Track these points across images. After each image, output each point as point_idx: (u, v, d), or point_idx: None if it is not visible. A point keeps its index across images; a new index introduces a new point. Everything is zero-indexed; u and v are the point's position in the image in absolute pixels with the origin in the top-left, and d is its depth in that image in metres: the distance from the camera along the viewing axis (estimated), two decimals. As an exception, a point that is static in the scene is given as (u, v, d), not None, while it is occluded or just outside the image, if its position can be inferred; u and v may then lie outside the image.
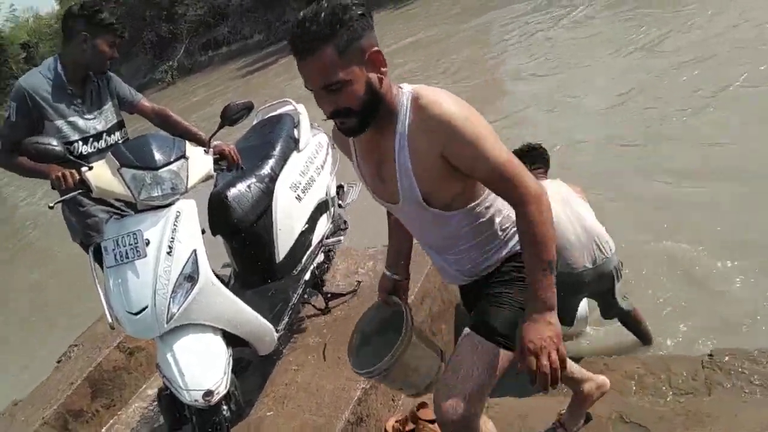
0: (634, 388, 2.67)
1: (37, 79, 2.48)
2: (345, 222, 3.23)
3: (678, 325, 3.14)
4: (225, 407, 2.21)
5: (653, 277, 3.55)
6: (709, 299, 3.25)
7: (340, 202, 3.19)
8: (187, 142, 2.24)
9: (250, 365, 2.79)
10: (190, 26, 23.83)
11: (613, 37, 8.24)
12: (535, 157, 3.06)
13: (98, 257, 2.15)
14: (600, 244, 2.76)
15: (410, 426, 2.40)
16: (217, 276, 2.74)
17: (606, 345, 3.14)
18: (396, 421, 2.44)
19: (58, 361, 3.64)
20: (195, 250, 2.08)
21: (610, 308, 2.98)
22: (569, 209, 2.81)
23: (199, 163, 2.23)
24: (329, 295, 2.99)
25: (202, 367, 2.03)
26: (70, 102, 2.52)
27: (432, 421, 2.37)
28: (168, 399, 2.16)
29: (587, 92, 6.72)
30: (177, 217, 2.09)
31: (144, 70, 25.75)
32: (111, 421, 3.18)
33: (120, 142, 2.68)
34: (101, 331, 3.62)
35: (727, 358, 2.58)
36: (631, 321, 3.04)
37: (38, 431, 2.93)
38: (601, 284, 2.83)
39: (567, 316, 2.98)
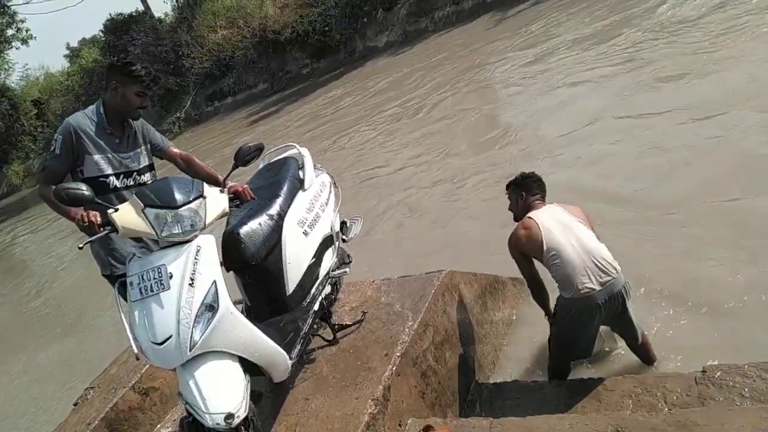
0: (631, 405, 2.78)
1: (83, 119, 2.76)
2: (349, 256, 3.39)
3: (673, 343, 3.26)
4: None
5: (650, 295, 3.70)
6: (703, 316, 3.39)
7: (343, 237, 3.35)
8: (204, 183, 2.43)
9: (262, 397, 2.91)
10: (197, 79, 24.55)
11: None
12: (530, 185, 3.23)
13: (122, 291, 2.32)
14: (605, 265, 2.83)
15: (417, 448, 2.51)
16: None
17: (606, 366, 3.26)
18: (403, 444, 2.55)
19: (75, 404, 3.75)
20: (215, 281, 2.23)
21: (630, 329, 3.03)
22: (570, 234, 2.92)
23: (215, 201, 2.42)
24: (337, 327, 3.13)
25: (222, 392, 2.15)
26: (109, 140, 2.79)
27: (437, 445, 2.48)
28: (190, 426, 2.27)
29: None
30: (198, 251, 2.25)
31: (152, 121, 26.28)
32: (128, 461, 3.28)
33: (148, 183, 2.90)
34: (115, 373, 3.76)
35: (719, 374, 2.70)
36: (640, 345, 3.11)
37: (58, 473, 3.04)
38: (613, 306, 2.87)
39: (585, 346, 3.07)
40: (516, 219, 3.25)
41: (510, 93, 9.49)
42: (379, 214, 6.91)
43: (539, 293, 3.17)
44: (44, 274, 11.78)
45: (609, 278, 2.82)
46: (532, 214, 3.10)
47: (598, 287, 2.80)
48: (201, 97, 25.02)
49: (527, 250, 3.06)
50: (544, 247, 2.93)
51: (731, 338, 3.18)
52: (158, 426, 3.47)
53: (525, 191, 3.23)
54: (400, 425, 2.68)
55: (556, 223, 2.99)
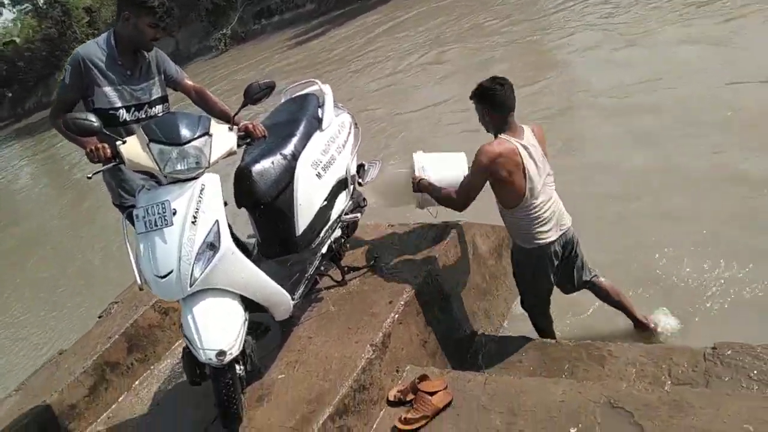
0: (634, 375, 2.73)
1: (93, 49, 2.71)
2: (364, 199, 3.35)
3: (688, 314, 3.17)
4: (240, 367, 2.41)
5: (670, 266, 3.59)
6: (720, 292, 3.29)
7: (360, 180, 3.31)
8: (212, 119, 2.39)
9: (269, 331, 2.99)
10: (245, -6, 24.11)
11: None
12: (494, 101, 2.71)
13: (132, 221, 2.35)
14: (563, 216, 2.87)
15: (410, 396, 2.54)
16: (243, 244, 2.95)
17: (610, 331, 3.21)
18: (398, 391, 2.59)
19: (100, 316, 3.94)
20: (217, 221, 2.24)
21: (581, 274, 3.03)
22: (544, 182, 2.77)
23: (222, 139, 2.39)
24: (346, 269, 3.15)
25: (217, 329, 2.20)
26: (120, 72, 2.74)
27: (431, 393, 2.51)
28: (189, 357, 2.35)
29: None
30: (202, 189, 2.25)
31: (199, 36, 26.29)
32: (144, 374, 3.46)
33: (160, 115, 2.87)
34: (138, 290, 3.91)
35: (729, 352, 2.61)
36: (602, 292, 3.08)
37: (78, 379, 3.22)
38: (567, 251, 2.91)
39: (541, 298, 3.07)
40: (489, 131, 2.82)
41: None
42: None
43: (457, 206, 2.91)
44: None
45: (566, 226, 2.88)
46: (514, 141, 2.68)
47: (556, 236, 2.84)
48: (248, 14, 24.65)
49: (496, 181, 2.73)
50: (524, 198, 2.73)
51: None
52: (176, 344, 3.63)
53: (489, 108, 2.73)
54: (397, 371, 2.72)
55: (534, 166, 2.71)
